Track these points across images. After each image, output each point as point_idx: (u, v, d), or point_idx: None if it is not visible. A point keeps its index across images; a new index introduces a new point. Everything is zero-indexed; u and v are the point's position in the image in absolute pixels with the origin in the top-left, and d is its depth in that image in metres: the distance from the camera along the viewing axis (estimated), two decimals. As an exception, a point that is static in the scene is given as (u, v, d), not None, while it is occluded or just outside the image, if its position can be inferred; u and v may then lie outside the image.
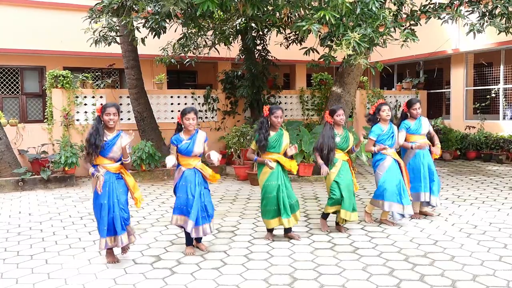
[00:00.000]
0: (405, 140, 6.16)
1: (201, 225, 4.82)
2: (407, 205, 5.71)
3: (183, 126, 4.86)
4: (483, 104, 13.03)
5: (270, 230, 5.44)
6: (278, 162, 5.23)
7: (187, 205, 4.78)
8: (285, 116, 13.19)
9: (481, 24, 8.21)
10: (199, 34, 10.26)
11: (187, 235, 4.94)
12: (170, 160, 4.76)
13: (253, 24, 10.69)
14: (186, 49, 10.86)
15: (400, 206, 5.70)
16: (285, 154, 5.33)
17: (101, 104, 4.68)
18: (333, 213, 5.65)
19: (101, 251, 5.01)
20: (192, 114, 4.81)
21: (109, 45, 8.53)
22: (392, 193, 5.70)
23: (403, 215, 5.78)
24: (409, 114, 6.19)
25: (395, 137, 5.86)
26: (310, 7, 6.36)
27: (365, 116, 6.14)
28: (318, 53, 7.61)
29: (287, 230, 5.44)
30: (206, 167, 4.99)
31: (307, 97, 13.46)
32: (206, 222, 4.86)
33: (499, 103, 12.83)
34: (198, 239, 5.08)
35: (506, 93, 12.79)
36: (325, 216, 5.78)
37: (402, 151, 6.28)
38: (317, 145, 5.54)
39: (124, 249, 4.79)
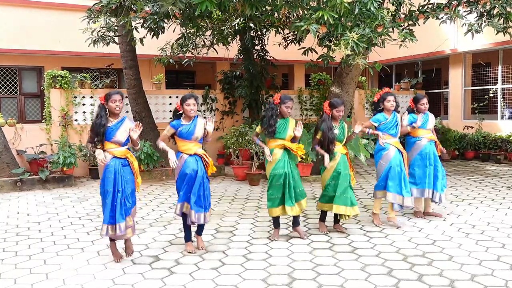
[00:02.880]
0: (411, 134, 6.19)
1: (202, 212, 4.86)
2: (407, 197, 5.72)
3: (183, 113, 4.88)
4: (481, 104, 13.06)
5: (276, 225, 5.44)
6: (284, 148, 5.23)
7: (191, 194, 4.81)
8: (284, 116, 13.18)
9: (479, 24, 8.22)
10: (198, 34, 10.25)
11: (186, 230, 4.99)
12: (168, 150, 4.81)
13: (251, 24, 10.69)
14: (184, 49, 10.85)
15: (400, 198, 5.70)
16: (292, 141, 5.34)
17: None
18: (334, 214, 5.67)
19: (99, 252, 5.02)
20: (193, 100, 4.84)
21: (107, 45, 8.52)
22: (395, 184, 5.70)
23: (401, 207, 5.77)
24: (415, 110, 6.23)
25: (398, 126, 5.84)
26: (308, 7, 6.37)
27: (370, 105, 6.14)
28: (317, 53, 7.61)
29: (295, 223, 5.45)
30: (207, 156, 5.00)
31: (305, 97, 13.46)
32: (205, 211, 4.89)
33: (497, 103, 12.86)
34: (199, 232, 5.09)
35: (504, 93, 12.82)
36: (323, 218, 5.79)
37: (407, 146, 6.26)
38: (316, 140, 5.56)
39: (128, 251, 4.79)
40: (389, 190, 5.72)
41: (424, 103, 6.15)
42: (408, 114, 6.31)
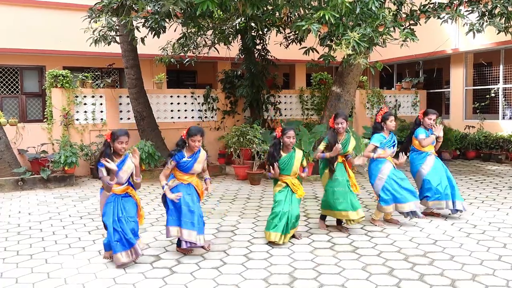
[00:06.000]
0: (419, 149, 6.22)
1: (194, 231, 4.76)
2: (417, 200, 5.82)
3: (187, 144, 4.85)
4: (483, 104, 13.04)
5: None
6: (287, 184, 5.21)
7: (182, 216, 4.73)
8: (285, 116, 13.21)
9: (481, 23, 8.21)
10: (199, 33, 10.25)
11: (179, 239, 4.93)
12: (168, 192, 4.79)
13: (252, 24, 10.68)
14: (185, 49, 10.86)
15: (416, 202, 5.78)
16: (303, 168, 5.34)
17: (110, 131, 4.66)
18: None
19: (101, 251, 5.02)
20: (199, 137, 4.81)
21: (108, 45, 8.53)
22: (404, 194, 5.70)
23: (413, 213, 5.82)
24: (422, 122, 6.23)
25: (395, 146, 5.88)
26: (309, 6, 6.36)
27: (373, 127, 6.10)
28: (318, 52, 7.61)
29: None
30: (200, 184, 4.99)
31: (306, 96, 13.45)
32: (198, 232, 4.79)
33: (498, 102, 12.84)
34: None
35: (505, 92, 12.79)
36: (323, 217, 5.81)
37: (417, 161, 6.24)
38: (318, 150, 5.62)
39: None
40: (399, 201, 5.70)
41: (432, 118, 6.15)
42: (415, 126, 6.30)
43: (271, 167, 5.14)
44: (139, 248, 4.56)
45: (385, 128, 5.84)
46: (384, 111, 5.91)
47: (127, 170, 4.64)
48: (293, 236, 5.39)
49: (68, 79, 10.52)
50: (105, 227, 4.63)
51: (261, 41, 11.93)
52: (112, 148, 4.58)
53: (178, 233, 4.76)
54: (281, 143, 5.20)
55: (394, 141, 5.86)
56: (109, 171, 4.48)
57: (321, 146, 5.58)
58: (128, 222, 4.55)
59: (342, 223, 5.78)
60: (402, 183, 5.75)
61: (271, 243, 5.17)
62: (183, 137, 4.88)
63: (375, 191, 5.89)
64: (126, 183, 4.69)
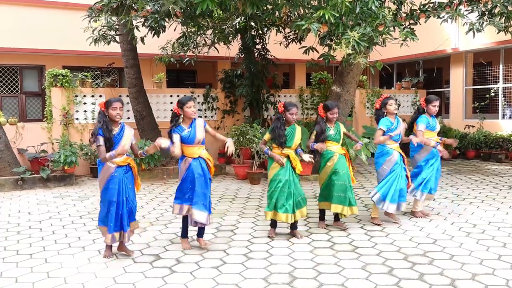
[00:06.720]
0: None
1: (206, 213, 4.91)
2: (403, 203, 5.78)
3: (182, 115, 4.88)
4: (483, 103, 13.04)
5: (273, 226, 5.47)
6: (288, 157, 5.26)
7: (195, 196, 4.84)
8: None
9: (481, 23, 8.21)
10: (199, 33, 10.25)
11: (184, 226, 5.05)
12: (167, 144, 4.73)
13: (252, 23, 10.69)
14: (185, 48, 10.86)
15: (393, 206, 5.74)
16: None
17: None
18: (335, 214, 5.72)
19: (101, 250, 5.02)
20: (192, 102, 4.87)
21: (108, 44, 8.53)
22: (395, 193, 5.69)
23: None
24: (426, 110, 6.15)
25: (401, 132, 5.83)
26: (309, 6, 6.37)
27: (375, 114, 6.07)
28: (318, 52, 7.61)
29: (293, 227, 5.45)
30: (211, 157, 5.03)
31: (306, 96, 13.45)
32: (209, 212, 4.93)
33: (498, 102, 12.84)
34: (200, 234, 5.11)
35: (505, 92, 12.80)
36: (321, 217, 5.85)
37: (412, 148, 6.19)
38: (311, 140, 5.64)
39: (129, 253, 4.87)
40: (387, 199, 5.70)
41: (436, 105, 6.10)
42: (418, 114, 6.21)
43: (269, 151, 5.27)
44: (129, 235, 4.72)
45: (386, 113, 5.80)
46: (384, 97, 5.89)
47: (129, 136, 4.69)
48: (294, 236, 5.41)
49: (67, 78, 10.52)
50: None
51: (261, 41, 11.93)
52: (108, 116, 4.61)
53: (188, 211, 4.86)
54: (284, 118, 5.27)
55: (399, 126, 5.79)
56: (108, 142, 4.52)
57: (312, 135, 5.65)
58: (128, 203, 4.69)
59: (340, 220, 5.82)
60: (400, 181, 5.73)
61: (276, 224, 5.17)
62: (175, 112, 4.89)
63: (377, 180, 5.91)
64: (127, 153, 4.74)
